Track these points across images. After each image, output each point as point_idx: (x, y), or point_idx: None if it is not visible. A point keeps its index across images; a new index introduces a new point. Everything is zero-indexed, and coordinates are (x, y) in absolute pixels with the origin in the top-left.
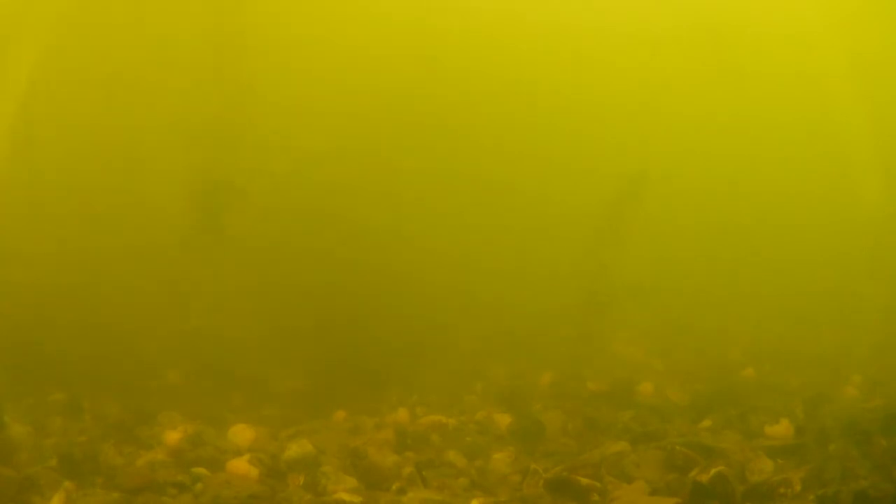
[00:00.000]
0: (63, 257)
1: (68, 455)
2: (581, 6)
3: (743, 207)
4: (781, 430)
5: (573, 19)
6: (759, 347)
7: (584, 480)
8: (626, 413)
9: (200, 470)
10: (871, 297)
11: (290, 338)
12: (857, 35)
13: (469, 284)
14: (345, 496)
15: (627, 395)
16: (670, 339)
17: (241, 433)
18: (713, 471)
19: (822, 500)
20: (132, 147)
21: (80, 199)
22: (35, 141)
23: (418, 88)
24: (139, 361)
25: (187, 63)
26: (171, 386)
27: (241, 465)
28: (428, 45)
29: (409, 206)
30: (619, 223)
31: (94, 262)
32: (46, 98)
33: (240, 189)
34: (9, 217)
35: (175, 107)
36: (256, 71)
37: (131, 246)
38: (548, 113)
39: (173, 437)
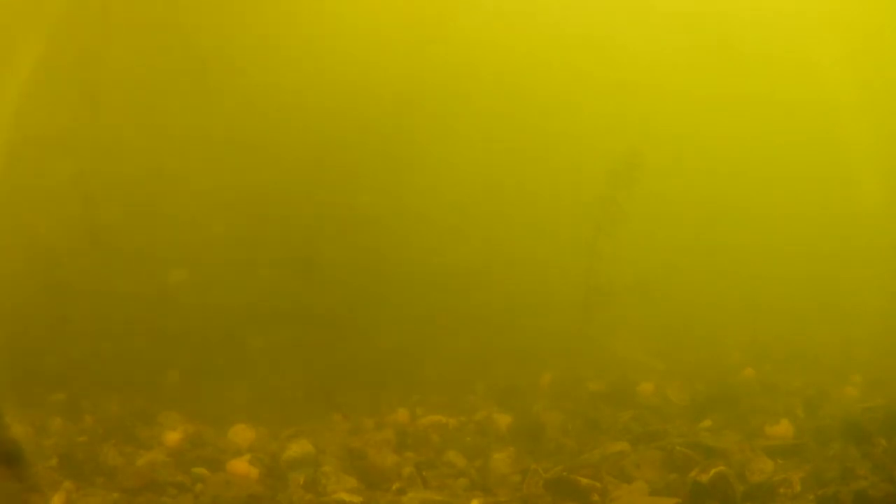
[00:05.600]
0: (62, 257)
1: (68, 455)
2: None
3: (742, 205)
4: (781, 430)
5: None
6: (759, 347)
7: (584, 480)
8: (626, 413)
9: (200, 470)
10: (871, 296)
11: (291, 338)
12: (859, 24)
13: (468, 284)
14: (345, 496)
15: (627, 395)
16: (670, 339)
17: (241, 433)
18: (713, 471)
19: (822, 500)
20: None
21: (87, 197)
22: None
23: (409, 80)
24: (139, 361)
25: None
26: (171, 386)
27: (241, 465)
28: (416, 33)
29: (406, 204)
30: (616, 211)
31: (94, 262)
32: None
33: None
34: (8, 217)
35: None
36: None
37: (132, 244)
38: (538, 101)
39: (173, 437)
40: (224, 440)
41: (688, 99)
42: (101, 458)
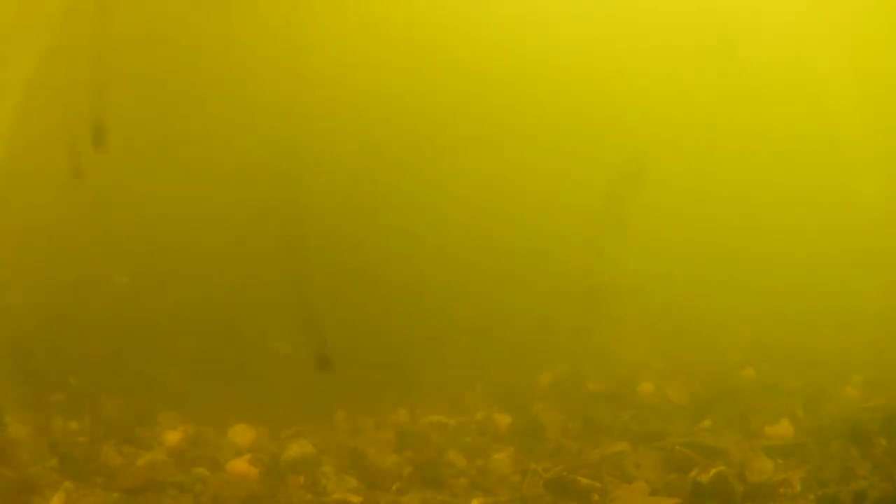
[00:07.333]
0: (63, 255)
1: (68, 455)
2: None
3: (741, 205)
4: (781, 430)
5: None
6: (759, 347)
7: (584, 480)
8: (626, 413)
9: (200, 470)
10: (872, 297)
11: (291, 337)
12: (857, 25)
13: (469, 283)
14: (345, 496)
15: (627, 395)
16: (670, 339)
17: (241, 433)
18: (713, 471)
19: (822, 500)
20: None
21: (83, 197)
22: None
23: (409, 81)
24: (139, 361)
25: None
26: (171, 386)
27: (241, 465)
28: (421, 36)
29: (406, 203)
30: (619, 211)
31: (95, 262)
32: None
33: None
34: (7, 216)
35: None
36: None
37: (133, 243)
38: (542, 101)
39: (173, 437)
40: (224, 440)
41: (692, 101)
42: (101, 458)
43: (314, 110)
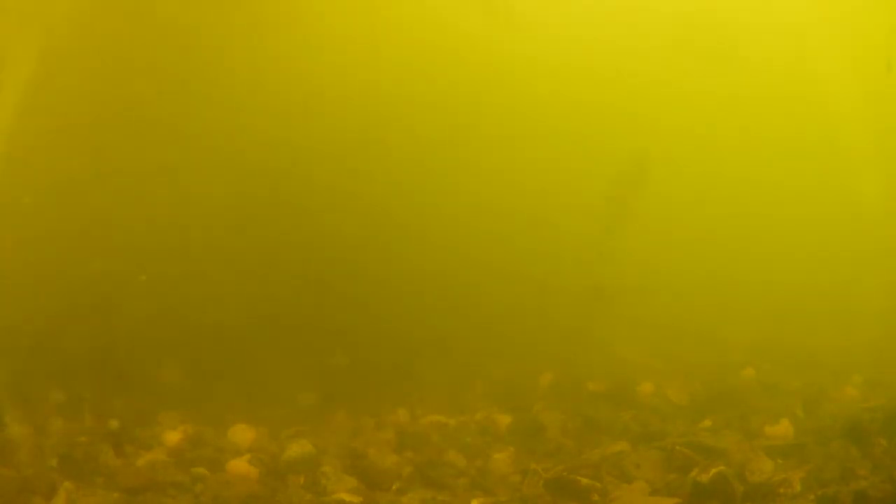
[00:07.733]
0: (63, 255)
1: (68, 455)
2: None
3: (741, 204)
4: (781, 430)
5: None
6: (759, 347)
7: (584, 480)
8: (626, 413)
9: (200, 470)
10: (871, 296)
11: (291, 338)
12: (857, 24)
13: (469, 284)
14: (345, 496)
15: (627, 395)
16: (670, 339)
17: (241, 433)
18: (713, 471)
19: (822, 500)
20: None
21: (83, 196)
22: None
23: (410, 78)
24: (139, 361)
25: None
26: (171, 386)
27: (241, 465)
28: (422, 35)
29: (407, 203)
30: (621, 211)
31: (94, 260)
32: None
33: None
34: (8, 216)
35: None
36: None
37: (134, 244)
38: (545, 101)
39: (173, 437)
40: (224, 440)
41: (694, 100)
42: (101, 458)
43: (321, 109)
